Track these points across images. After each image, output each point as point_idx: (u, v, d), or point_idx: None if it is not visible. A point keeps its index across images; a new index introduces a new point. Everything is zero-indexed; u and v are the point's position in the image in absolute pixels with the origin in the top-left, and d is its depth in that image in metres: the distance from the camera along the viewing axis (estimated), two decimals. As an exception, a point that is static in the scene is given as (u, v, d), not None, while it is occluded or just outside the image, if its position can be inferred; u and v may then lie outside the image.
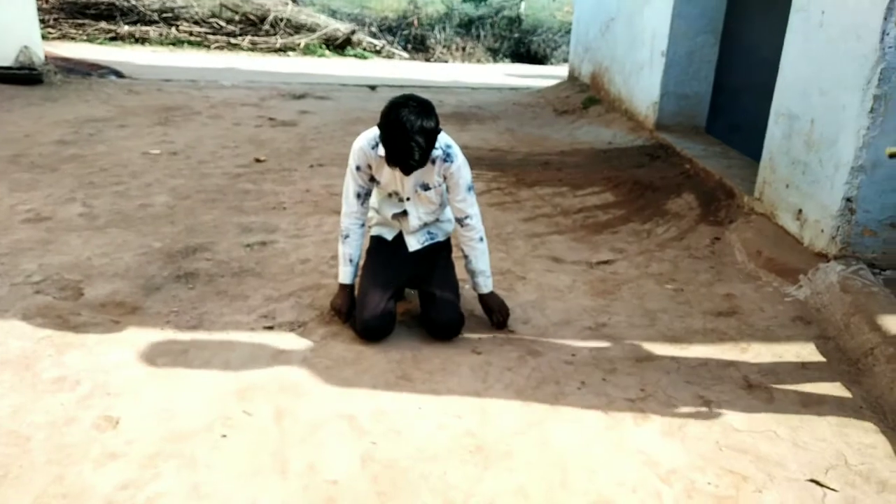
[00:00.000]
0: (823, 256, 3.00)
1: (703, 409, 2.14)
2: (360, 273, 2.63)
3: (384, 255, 2.58)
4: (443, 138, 2.45)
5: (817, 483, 1.83)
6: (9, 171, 4.35)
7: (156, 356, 2.34)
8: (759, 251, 3.30)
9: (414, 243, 2.59)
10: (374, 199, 2.66)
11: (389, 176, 2.49)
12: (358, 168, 2.50)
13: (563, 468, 1.85)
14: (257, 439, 1.94)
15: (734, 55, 5.34)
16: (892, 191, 2.83)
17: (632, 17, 6.44)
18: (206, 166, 4.74)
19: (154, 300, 2.76)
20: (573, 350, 2.49)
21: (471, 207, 2.54)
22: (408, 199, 2.52)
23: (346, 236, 2.58)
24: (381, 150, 2.37)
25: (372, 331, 2.46)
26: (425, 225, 2.62)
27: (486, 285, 2.62)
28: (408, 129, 2.18)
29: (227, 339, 2.49)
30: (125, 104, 6.65)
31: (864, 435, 2.04)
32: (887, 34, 2.65)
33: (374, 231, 2.65)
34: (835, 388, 2.28)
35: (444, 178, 2.49)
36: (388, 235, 2.62)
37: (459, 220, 2.58)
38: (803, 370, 2.39)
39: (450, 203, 2.57)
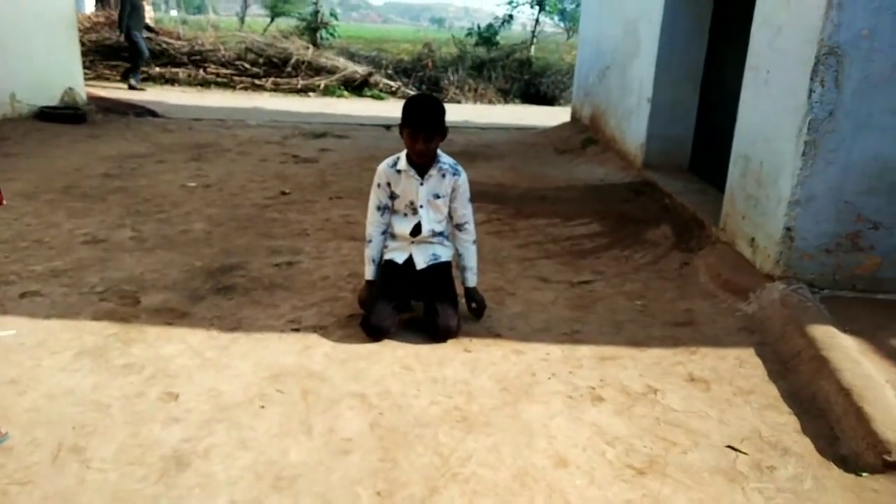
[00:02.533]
0: (770, 277, 3.49)
1: (650, 395, 2.61)
2: (371, 288, 3.16)
3: (394, 273, 3.13)
4: (448, 158, 3.14)
5: (733, 448, 2.30)
6: (64, 201, 4.95)
7: (204, 350, 2.86)
8: (719, 273, 3.79)
9: (421, 262, 3.14)
10: (389, 229, 3.22)
11: (406, 187, 3.10)
12: (379, 185, 3.15)
13: (530, 434, 2.34)
14: (288, 410, 2.44)
15: (713, 100, 5.90)
16: (824, 221, 3.33)
17: (624, 67, 7.05)
18: (237, 198, 5.32)
19: (199, 307, 3.29)
20: (549, 350, 2.98)
21: (469, 215, 3.22)
22: (421, 206, 3.09)
23: (370, 241, 3.21)
24: (399, 166, 3.08)
25: (376, 331, 2.99)
26: (434, 235, 3.15)
27: (472, 280, 3.25)
28: (427, 96, 3.09)
29: (262, 337, 3.01)
30: (161, 141, 7.30)
31: (778, 416, 2.50)
32: (813, 92, 3.18)
33: (387, 256, 3.20)
34: (763, 383, 2.75)
35: (453, 189, 3.11)
36: (399, 259, 3.15)
37: (459, 226, 3.22)
38: (740, 368, 2.87)
39: (452, 211, 3.19)
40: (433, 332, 3.02)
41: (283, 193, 5.56)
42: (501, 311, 3.42)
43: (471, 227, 3.24)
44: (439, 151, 3.12)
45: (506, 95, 15.44)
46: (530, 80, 15.93)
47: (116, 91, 11.06)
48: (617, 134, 7.20)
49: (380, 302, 3.02)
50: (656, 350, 3.03)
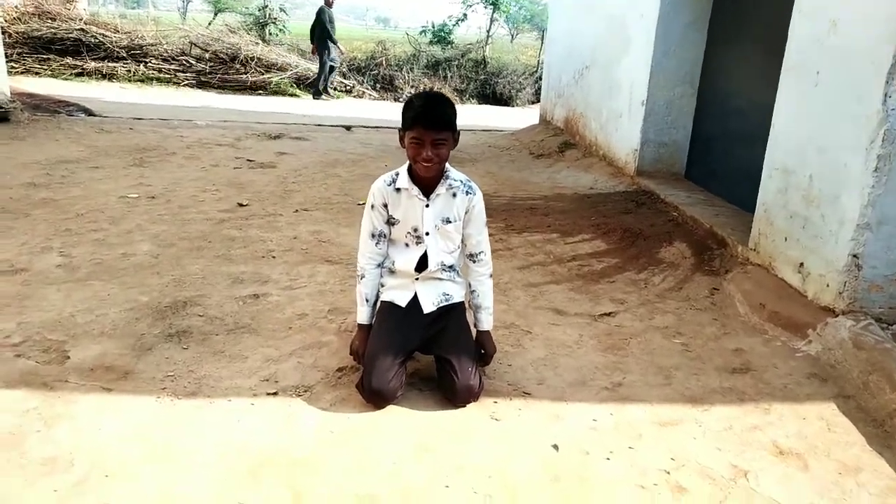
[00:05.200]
0: (830, 311, 3.00)
1: (741, 479, 2.06)
2: (370, 336, 2.51)
3: (395, 318, 2.49)
4: (458, 174, 2.54)
5: (867, 561, 1.77)
6: (-24, 218, 4.13)
7: (154, 429, 2.18)
8: (762, 304, 3.28)
9: (429, 304, 2.51)
10: (387, 262, 2.59)
11: (408, 210, 2.49)
12: (373, 206, 2.52)
13: (607, 551, 1.75)
14: (276, 525, 1.79)
15: (709, 104, 5.46)
16: (896, 247, 2.86)
17: (608, 67, 6.55)
18: (188, 211, 4.58)
19: (146, 363, 2.59)
20: (593, 414, 2.40)
21: (486, 243, 2.61)
22: (427, 233, 2.49)
23: (362, 276, 2.57)
24: (399, 184, 2.47)
25: (379, 397, 2.35)
26: (443, 269, 2.55)
27: (488, 322, 2.64)
28: (434, 91, 2.44)
29: (229, 407, 2.34)
30: (97, 144, 6.46)
31: (904, 505, 1.99)
32: (889, 97, 2.69)
33: (386, 297, 2.56)
34: (866, 453, 2.23)
35: (466, 211, 2.52)
36: (401, 301, 2.52)
37: (473, 256, 2.60)
38: (829, 433, 2.35)
39: (465, 239, 2.58)
40: (450, 393, 2.40)
41: (241, 205, 4.85)
42: (522, 356, 2.83)
43: (487, 257, 2.62)
44: (449, 165, 2.51)
45: (462, 95, 14.95)
46: (486, 80, 15.51)
47: (46, 86, 10.02)
48: (601, 138, 6.70)
49: (380, 357, 2.37)
50: (721, 409, 2.49)
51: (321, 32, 12.01)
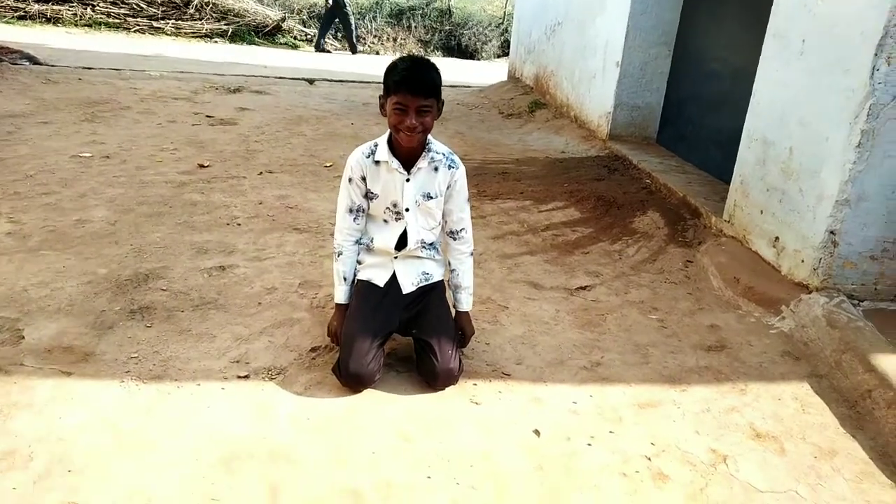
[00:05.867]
0: (804, 287, 3.01)
1: (721, 465, 2.06)
2: (347, 317, 2.42)
3: (373, 298, 2.39)
4: (441, 146, 2.42)
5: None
6: (-86, 179, 3.86)
7: (120, 417, 2.07)
8: (736, 278, 3.28)
9: (408, 284, 2.43)
10: (364, 238, 2.48)
11: (387, 184, 2.37)
12: (350, 180, 2.39)
13: (594, 545, 1.74)
14: (253, 523, 1.72)
15: (681, 67, 5.38)
16: (873, 224, 2.86)
17: (582, 24, 6.40)
18: (146, 173, 4.37)
19: (108, 343, 2.46)
20: (573, 396, 2.37)
21: (467, 220, 2.51)
22: (407, 209, 2.39)
23: (340, 253, 2.46)
24: (378, 156, 2.35)
25: (357, 381, 2.28)
26: (423, 247, 2.46)
27: (468, 302, 2.55)
28: (418, 56, 2.30)
29: (199, 391, 2.24)
30: (44, 96, 6.10)
31: (881, 491, 2.01)
32: (877, 70, 2.65)
33: (363, 275, 2.46)
34: (839, 436, 2.26)
35: (448, 186, 2.41)
36: (380, 280, 2.43)
37: (453, 233, 2.50)
38: (804, 414, 2.36)
39: (446, 215, 2.48)
40: (429, 377, 2.33)
41: (202, 166, 4.64)
42: (500, 334, 2.78)
43: (468, 234, 2.53)
44: (431, 137, 2.39)
45: (426, 46, 14.59)
46: (451, 32, 15.14)
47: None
48: (573, 99, 6.59)
49: (358, 339, 2.28)
50: (699, 389, 2.48)
51: None
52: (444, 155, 2.41)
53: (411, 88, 2.18)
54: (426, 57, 2.31)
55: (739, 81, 4.11)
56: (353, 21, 12.43)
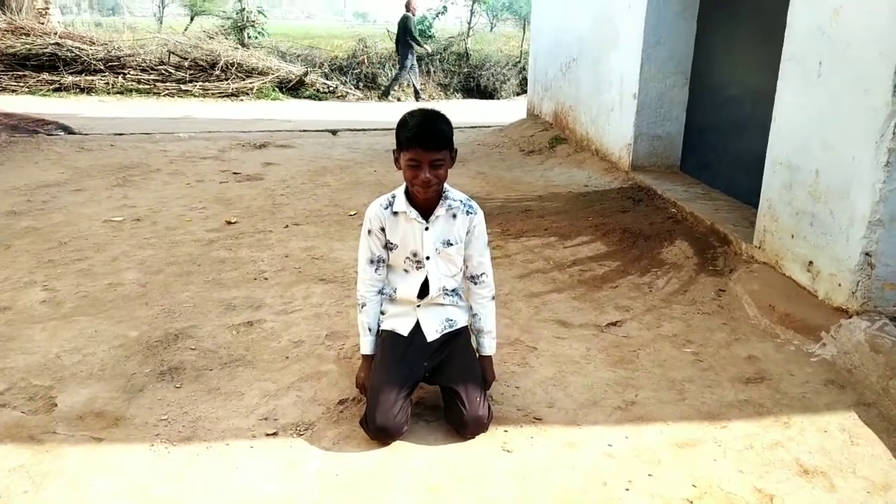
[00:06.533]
0: (843, 311, 2.91)
1: (767, 506, 1.97)
2: (372, 368, 2.40)
3: (398, 348, 2.38)
4: (458, 193, 2.44)
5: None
6: (-46, 252, 3.98)
7: (150, 483, 2.06)
8: (772, 305, 3.19)
9: (432, 332, 2.41)
10: (387, 288, 2.49)
11: (406, 234, 2.38)
12: (370, 232, 2.41)
13: None
14: (283, 587, 1.68)
15: (700, 95, 5.36)
16: (910, 243, 2.76)
17: (597, 60, 6.44)
18: (175, 233, 4.45)
19: (138, 406, 2.47)
20: (608, 438, 2.30)
21: (488, 264, 2.50)
22: (427, 258, 2.39)
23: (363, 305, 2.47)
24: (396, 207, 2.36)
25: (385, 433, 2.24)
26: (446, 294, 2.44)
27: (491, 346, 2.52)
28: (429, 108, 2.31)
29: (228, 451, 2.22)
30: (78, 164, 6.30)
31: (940, 526, 1.90)
32: (899, 87, 2.59)
33: (387, 325, 2.45)
34: (893, 468, 2.14)
35: (467, 232, 2.41)
36: (403, 330, 2.41)
37: (474, 278, 2.49)
38: (853, 447, 2.26)
39: (466, 260, 2.47)
40: (458, 425, 2.29)
41: (229, 223, 4.72)
42: (529, 376, 2.73)
43: (489, 279, 2.51)
44: (447, 185, 2.40)
45: (446, 90, 14.81)
46: (470, 74, 15.36)
47: (24, 104, 9.81)
48: (592, 132, 6.60)
49: (384, 391, 2.26)
50: (740, 424, 2.39)
51: (405, 39, 12.68)
52: (461, 202, 2.42)
53: (423, 144, 2.20)
54: (435, 109, 2.33)
55: (760, 104, 4.06)
56: (405, 73, 13.15)
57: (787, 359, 2.85)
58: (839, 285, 2.94)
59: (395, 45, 13.21)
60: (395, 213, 2.38)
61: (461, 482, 2.07)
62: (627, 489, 2.04)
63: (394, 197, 2.40)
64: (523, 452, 2.23)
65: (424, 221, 2.37)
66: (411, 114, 2.28)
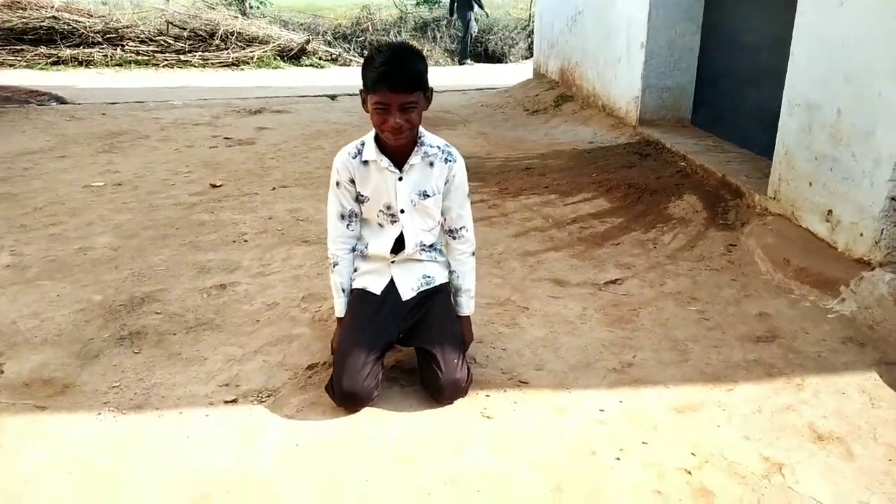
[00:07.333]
0: (865, 263, 2.64)
1: (776, 476, 1.74)
2: (342, 329, 2.18)
3: (369, 308, 2.15)
4: (435, 138, 2.18)
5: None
6: (-75, 219, 3.81)
7: (90, 455, 1.87)
8: (786, 259, 2.93)
9: (407, 290, 2.18)
10: (359, 244, 2.26)
11: (378, 185, 2.13)
12: (338, 184, 2.16)
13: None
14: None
15: (712, 43, 5.02)
16: (941, 186, 2.48)
17: (603, 9, 6.10)
18: (156, 197, 4.25)
19: (91, 372, 2.28)
20: (601, 403, 2.08)
21: (468, 217, 2.25)
22: (402, 211, 2.14)
23: (335, 264, 2.23)
24: (365, 155, 2.11)
25: (353, 399, 2.03)
26: (423, 249, 2.21)
27: (469, 306, 2.29)
28: (398, 43, 2.06)
29: (180, 420, 2.03)
30: (66, 132, 6.10)
31: (976, 497, 1.66)
32: (931, 7, 2.30)
33: (359, 283, 2.22)
34: (920, 432, 1.90)
35: (446, 181, 2.16)
36: (376, 288, 2.19)
37: (452, 232, 2.25)
38: (873, 409, 2.01)
39: (444, 212, 2.22)
40: (434, 390, 2.07)
41: (214, 186, 4.50)
42: (518, 337, 2.50)
43: (469, 233, 2.26)
44: (423, 129, 2.14)
45: (452, 56, 14.40)
46: (477, 38, 14.92)
47: (21, 77, 9.62)
48: (599, 87, 6.28)
49: (352, 354, 2.04)
50: (748, 387, 2.15)
51: (462, 2, 13.09)
52: (439, 148, 2.16)
53: (392, 85, 1.93)
54: (407, 43, 2.05)
55: (777, 51, 3.75)
56: (468, 36, 13.54)
57: (802, 315, 2.59)
58: (861, 235, 2.67)
59: (449, 10, 13.58)
60: (366, 163, 2.14)
61: (433, 451, 1.86)
62: (618, 458, 1.82)
63: (363, 144, 2.15)
64: (505, 418, 2.01)
65: (398, 171, 2.12)
66: (378, 49, 2.01)
